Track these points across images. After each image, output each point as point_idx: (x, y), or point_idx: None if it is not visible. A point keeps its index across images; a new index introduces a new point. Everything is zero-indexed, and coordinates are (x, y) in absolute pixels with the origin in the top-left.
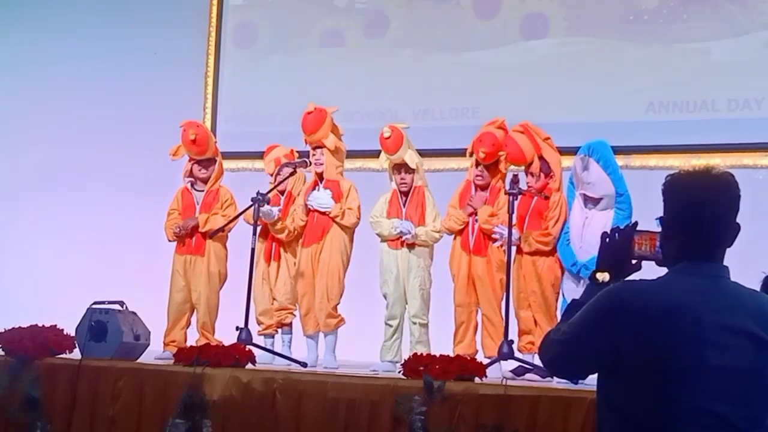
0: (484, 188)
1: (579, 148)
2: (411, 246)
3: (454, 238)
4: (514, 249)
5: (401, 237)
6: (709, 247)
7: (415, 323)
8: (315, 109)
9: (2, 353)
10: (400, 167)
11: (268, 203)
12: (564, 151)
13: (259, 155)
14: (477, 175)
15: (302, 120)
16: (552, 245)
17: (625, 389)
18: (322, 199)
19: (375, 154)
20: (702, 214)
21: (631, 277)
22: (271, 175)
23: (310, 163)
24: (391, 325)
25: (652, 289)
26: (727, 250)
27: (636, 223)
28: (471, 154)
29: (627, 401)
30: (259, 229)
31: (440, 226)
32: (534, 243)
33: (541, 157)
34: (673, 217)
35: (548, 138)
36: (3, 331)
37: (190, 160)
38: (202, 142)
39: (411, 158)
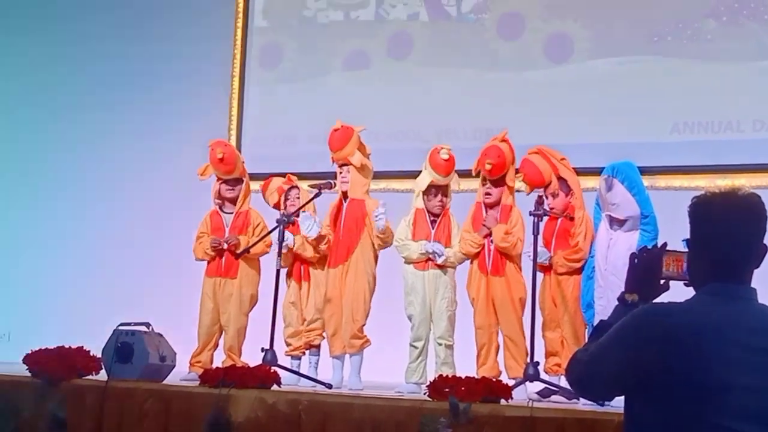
0: (493, 206)
1: (604, 168)
2: (438, 267)
3: (471, 262)
4: (539, 269)
5: (431, 258)
6: (736, 269)
7: (440, 344)
8: (342, 126)
9: (29, 374)
10: (439, 190)
11: (293, 224)
12: (589, 172)
13: (284, 176)
14: (485, 194)
15: (329, 137)
16: (584, 261)
17: (652, 411)
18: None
19: (399, 175)
20: (728, 235)
21: (659, 299)
22: (276, 205)
23: (334, 184)
24: (416, 347)
25: (679, 312)
26: (755, 271)
27: (665, 244)
28: (478, 172)
29: (654, 423)
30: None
31: (459, 250)
32: (565, 263)
33: (559, 177)
34: (699, 238)
35: (564, 158)
36: (30, 352)
37: (218, 180)
38: (229, 161)
39: (456, 181)
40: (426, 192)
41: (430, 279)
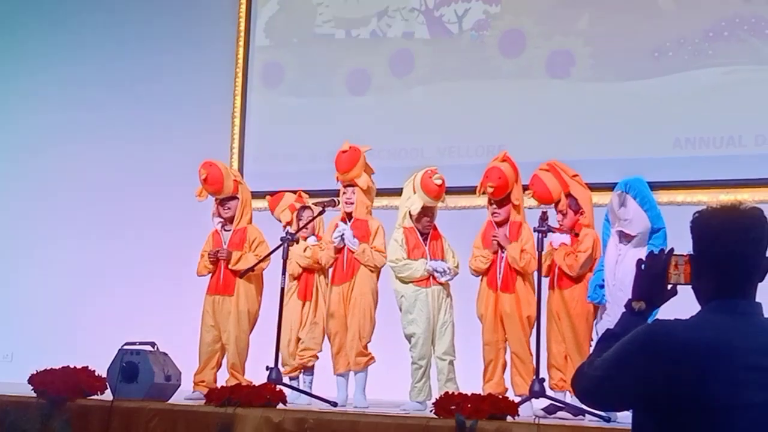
0: (502, 224)
1: (606, 184)
2: (439, 283)
3: (481, 279)
4: (544, 284)
5: (433, 276)
6: (740, 284)
7: (444, 360)
8: (350, 148)
9: (34, 395)
10: (428, 210)
11: (297, 242)
12: (592, 187)
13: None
14: (493, 213)
15: (336, 158)
16: (574, 272)
17: (658, 427)
18: (347, 239)
19: (401, 193)
20: (732, 250)
21: (666, 304)
22: (289, 223)
23: (339, 203)
24: (421, 365)
25: (685, 328)
26: (759, 285)
27: (672, 249)
28: (483, 193)
29: None
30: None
31: (469, 266)
32: (561, 260)
33: (569, 195)
34: (702, 253)
35: (576, 175)
36: (35, 372)
37: (215, 200)
38: (213, 180)
39: (446, 202)
40: (420, 214)
41: (434, 296)
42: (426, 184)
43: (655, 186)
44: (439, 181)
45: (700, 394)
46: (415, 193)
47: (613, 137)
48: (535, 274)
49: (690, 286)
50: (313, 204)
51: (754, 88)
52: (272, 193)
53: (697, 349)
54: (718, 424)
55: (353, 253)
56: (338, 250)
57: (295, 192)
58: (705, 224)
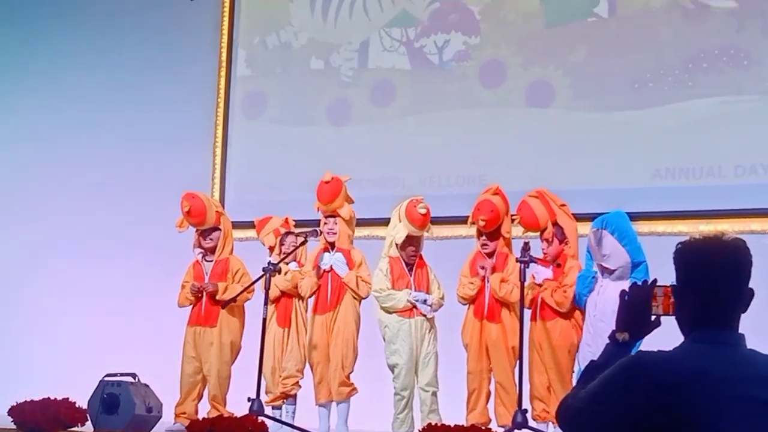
0: (491, 255)
1: (586, 214)
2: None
3: (468, 308)
4: (527, 315)
5: (415, 306)
6: (723, 315)
7: (428, 392)
8: (332, 178)
9: (14, 427)
10: (413, 240)
11: (279, 272)
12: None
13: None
14: (483, 244)
15: (318, 188)
16: (566, 308)
17: None
18: (337, 262)
19: (383, 222)
20: (715, 281)
21: (650, 336)
22: (273, 248)
23: (321, 232)
24: (403, 396)
25: (668, 360)
26: (742, 316)
27: (655, 280)
28: (473, 223)
29: None
30: (274, 296)
31: (456, 294)
32: (551, 297)
33: (555, 224)
34: (685, 284)
35: (564, 205)
36: (15, 404)
37: (196, 231)
38: (196, 212)
39: (431, 232)
40: (404, 244)
41: (417, 326)
42: (410, 212)
43: (635, 216)
44: (423, 210)
45: (683, 425)
46: (400, 222)
47: (593, 168)
48: (518, 304)
49: (673, 317)
50: (296, 233)
51: (734, 119)
52: (255, 223)
53: (680, 380)
54: None
55: (341, 278)
56: (320, 276)
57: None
58: (688, 255)
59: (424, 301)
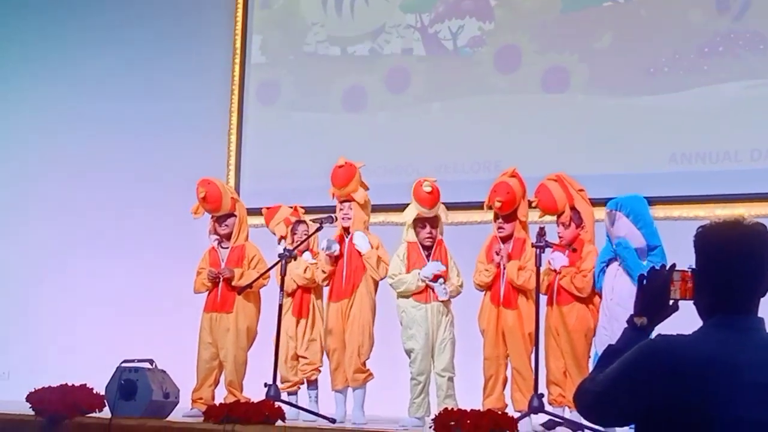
0: (507, 239)
1: (601, 199)
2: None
3: (485, 294)
4: (542, 301)
5: (429, 286)
6: (743, 299)
7: (444, 377)
8: (346, 163)
9: (32, 413)
10: (426, 221)
11: (294, 259)
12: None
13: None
14: (499, 228)
15: (332, 173)
16: (587, 293)
17: None
18: (358, 238)
19: (397, 208)
20: (735, 265)
21: (668, 320)
22: (284, 236)
23: (336, 219)
24: (419, 381)
25: (687, 344)
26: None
27: (674, 265)
28: (489, 207)
29: None
30: (291, 289)
31: (473, 281)
32: (569, 282)
33: (573, 208)
34: (705, 268)
35: (582, 189)
36: (33, 390)
37: (211, 218)
38: (212, 199)
39: (445, 215)
40: (415, 225)
41: (433, 312)
42: (417, 192)
43: (651, 201)
44: (428, 188)
45: (702, 410)
46: (411, 203)
47: (608, 153)
48: (529, 284)
49: (691, 302)
50: (311, 221)
51: (750, 103)
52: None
53: (700, 365)
54: None
55: (362, 255)
56: (335, 262)
57: (291, 206)
58: (708, 239)
59: (438, 280)
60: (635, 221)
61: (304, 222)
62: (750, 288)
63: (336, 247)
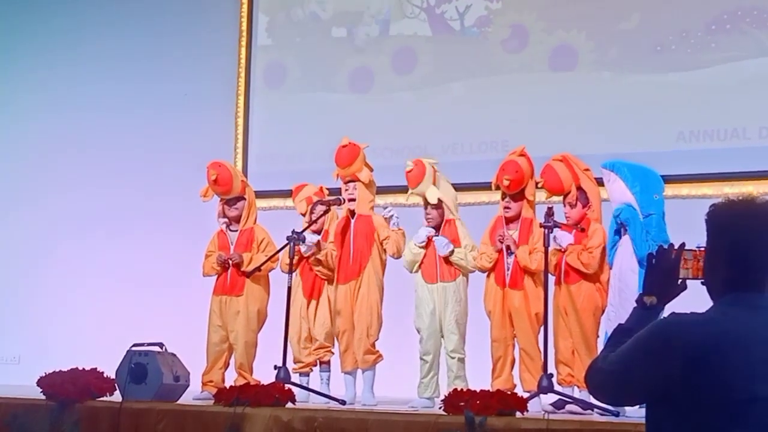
0: (513, 220)
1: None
2: (449, 278)
3: (488, 276)
4: (551, 281)
5: (431, 239)
6: (756, 278)
7: (453, 358)
8: (349, 143)
9: (43, 397)
10: (426, 202)
11: (303, 242)
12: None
13: (291, 193)
14: (505, 207)
15: (336, 153)
16: (593, 269)
17: (675, 421)
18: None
19: (404, 190)
20: (748, 243)
21: (675, 300)
22: (304, 214)
23: (344, 201)
24: (426, 361)
25: (703, 322)
26: None
27: (683, 244)
28: (497, 186)
29: None
30: (299, 266)
31: (475, 264)
32: (576, 259)
33: (579, 188)
34: (717, 247)
35: (588, 169)
36: (44, 375)
37: (220, 200)
38: (223, 181)
39: (432, 193)
40: (424, 206)
41: (440, 292)
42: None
43: None
44: (407, 167)
45: (718, 388)
46: None
47: (616, 131)
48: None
49: (700, 281)
50: (318, 202)
51: (758, 81)
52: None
53: (716, 344)
54: (736, 417)
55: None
56: (342, 245)
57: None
58: (721, 217)
59: (439, 236)
60: (631, 186)
61: (321, 202)
62: (763, 266)
63: (312, 241)
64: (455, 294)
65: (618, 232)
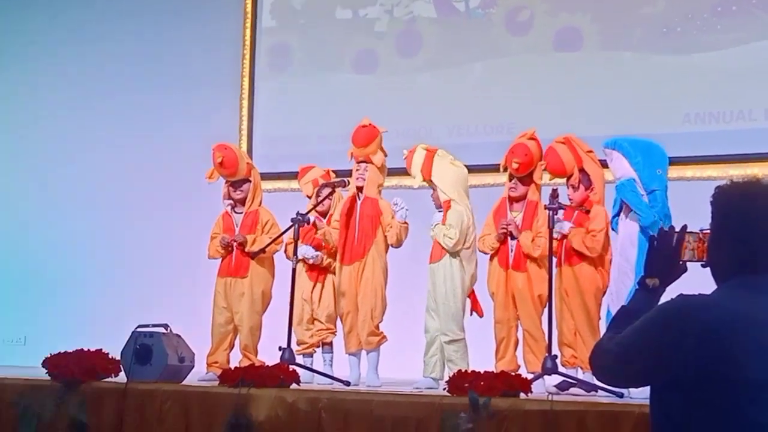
0: (518, 200)
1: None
2: (435, 258)
3: (491, 258)
4: (554, 263)
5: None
6: (762, 260)
7: (443, 340)
8: (369, 124)
9: (48, 378)
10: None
11: (308, 223)
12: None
13: (296, 175)
14: (511, 188)
15: (354, 132)
16: (597, 252)
17: (684, 403)
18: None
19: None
20: (754, 225)
21: (678, 281)
22: (309, 196)
23: (348, 183)
24: (426, 339)
25: (711, 304)
26: None
27: (685, 226)
28: (505, 169)
29: (686, 415)
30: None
31: (477, 247)
32: (580, 242)
33: (582, 170)
34: (723, 228)
35: (591, 151)
36: (49, 355)
37: (226, 182)
38: (229, 164)
39: (417, 178)
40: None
41: (431, 272)
42: None
43: None
44: (404, 154)
45: (726, 370)
46: None
47: (622, 113)
48: (546, 252)
49: (702, 264)
50: (324, 185)
51: (764, 63)
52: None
53: (724, 325)
54: (745, 399)
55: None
56: (346, 227)
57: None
58: (726, 199)
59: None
60: (632, 160)
61: (326, 185)
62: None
63: (311, 255)
64: (444, 273)
65: (620, 208)
